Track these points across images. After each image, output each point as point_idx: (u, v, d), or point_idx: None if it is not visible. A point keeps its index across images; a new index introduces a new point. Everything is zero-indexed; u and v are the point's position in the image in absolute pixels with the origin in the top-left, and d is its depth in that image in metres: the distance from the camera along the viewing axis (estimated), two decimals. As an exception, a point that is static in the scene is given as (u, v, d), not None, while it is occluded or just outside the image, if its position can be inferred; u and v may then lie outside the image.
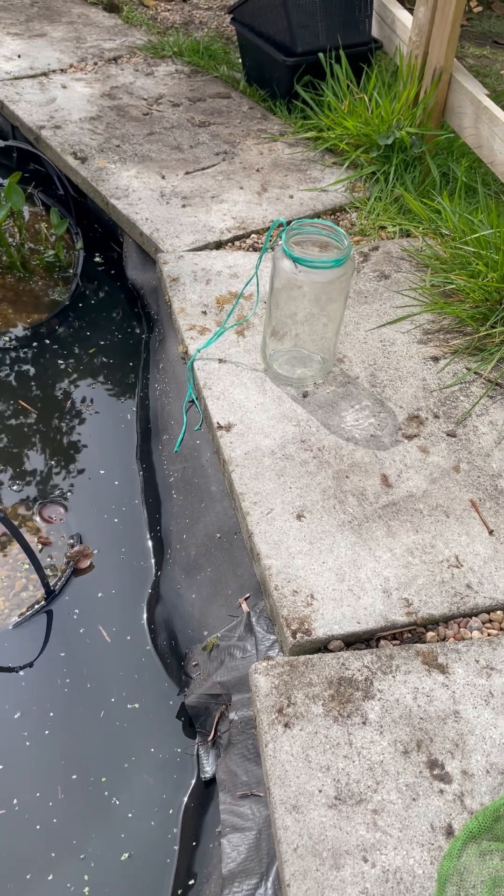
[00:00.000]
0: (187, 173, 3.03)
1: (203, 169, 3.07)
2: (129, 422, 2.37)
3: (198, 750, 1.62)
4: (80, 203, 3.13)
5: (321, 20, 3.29)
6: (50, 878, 1.44)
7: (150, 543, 2.03)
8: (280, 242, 1.94)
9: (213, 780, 1.55)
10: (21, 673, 1.74)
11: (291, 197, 2.93)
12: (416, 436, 2.03)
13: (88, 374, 2.52)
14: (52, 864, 1.46)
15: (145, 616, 1.87)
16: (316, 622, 1.59)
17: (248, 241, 2.72)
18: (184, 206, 2.83)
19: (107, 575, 1.95)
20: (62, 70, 3.63)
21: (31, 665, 1.76)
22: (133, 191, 2.88)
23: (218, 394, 2.11)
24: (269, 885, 1.32)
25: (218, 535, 1.87)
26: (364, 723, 1.45)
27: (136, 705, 1.70)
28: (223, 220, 2.77)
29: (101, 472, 2.21)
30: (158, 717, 1.69)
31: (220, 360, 2.21)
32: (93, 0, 4.33)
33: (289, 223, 2.16)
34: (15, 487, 2.13)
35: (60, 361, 2.54)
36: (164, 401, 2.32)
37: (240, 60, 3.81)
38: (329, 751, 1.41)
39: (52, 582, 1.91)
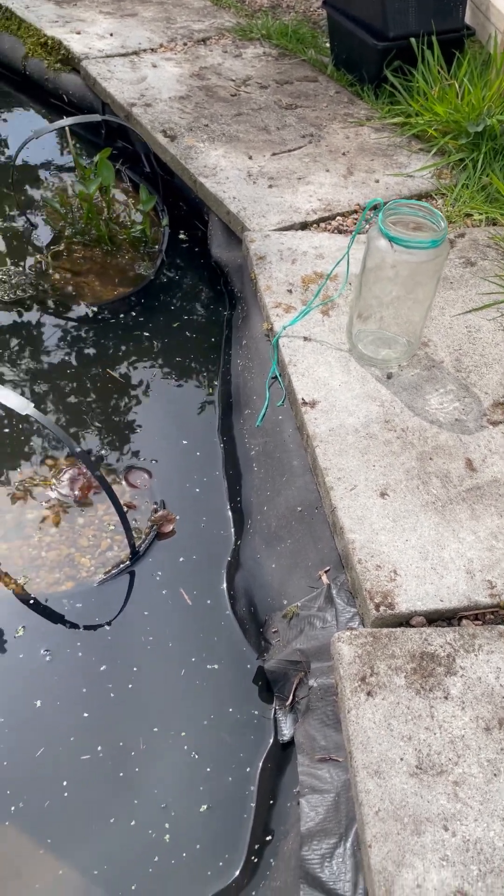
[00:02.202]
0: (274, 154, 3.05)
1: (289, 151, 3.08)
2: (210, 395, 2.41)
3: (276, 713, 1.65)
4: (166, 181, 3.18)
5: (414, 5, 3.26)
6: (132, 823, 1.50)
7: (229, 513, 2.07)
8: (375, 222, 1.95)
9: (290, 743, 1.59)
10: (107, 628, 1.80)
11: (377, 181, 2.92)
12: (501, 422, 2.02)
13: (172, 347, 2.57)
14: (134, 810, 1.51)
15: (225, 582, 1.91)
16: (399, 597, 1.61)
17: (334, 224, 2.73)
18: (270, 186, 2.86)
19: (188, 540, 2.00)
20: (152, 49, 3.67)
21: (113, 621, 1.82)
22: (221, 170, 2.92)
23: (303, 371, 2.13)
24: (349, 845, 1.35)
25: (299, 508, 1.90)
26: (446, 697, 1.47)
27: (216, 666, 1.74)
28: (309, 202, 2.79)
29: (184, 442, 2.26)
30: (236, 679, 1.73)
31: (305, 339, 2.23)
32: (182, -19, 4.37)
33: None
34: (102, 452, 2.20)
35: (146, 334, 2.60)
36: (246, 376, 2.35)
37: (327, 44, 3.81)
38: (411, 721, 1.43)
39: (136, 544, 1.97)
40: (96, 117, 2.80)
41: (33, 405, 1.69)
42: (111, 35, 3.71)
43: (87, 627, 1.80)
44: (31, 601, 1.83)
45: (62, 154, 3.52)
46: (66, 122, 2.69)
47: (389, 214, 1.97)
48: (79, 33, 3.69)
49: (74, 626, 1.80)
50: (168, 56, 3.63)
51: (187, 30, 3.87)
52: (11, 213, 3.02)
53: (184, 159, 2.97)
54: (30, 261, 2.81)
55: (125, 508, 2.09)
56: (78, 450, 1.71)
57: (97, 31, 3.74)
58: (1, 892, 1.43)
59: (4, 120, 3.67)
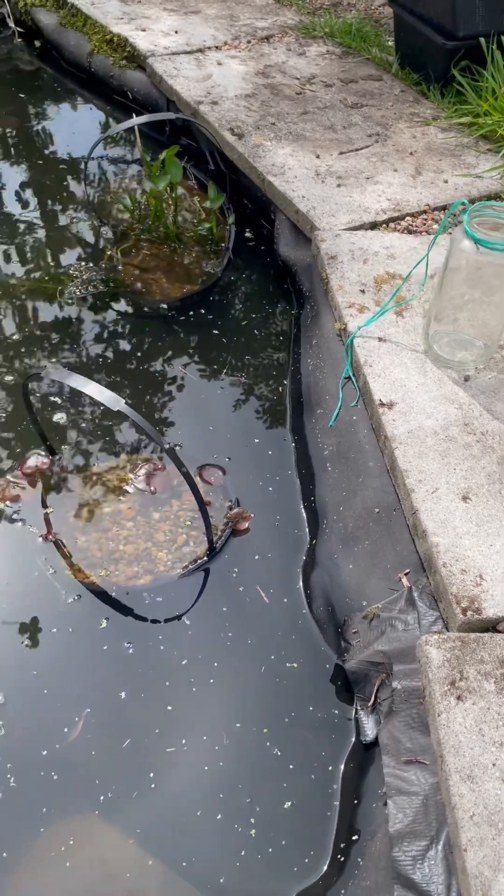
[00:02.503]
0: (341, 153, 3.04)
1: (356, 150, 3.07)
2: (280, 394, 2.42)
3: (357, 714, 1.66)
4: (231, 178, 3.19)
5: (484, 4, 3.23)
6: (219, 817, 1.52)
7: (303, 512, 2.08)
8: (458, 223, 1.94)
9: (372, 744, 1.60)
10: (187, 622, 1.82)
11: (446, 182, 2.90)
12: None
13: (241, 345, 2.58)
14: (220, 804, 1.53)
15: (301, 581, 1.92)
16: (486, 602, 1.61)
17: (403, 224, 2.72)
18: (338, 185, 2.85)
19: (263, 538, 2.02)
20: (217, 47, 3.69)
21: (193, 617, 1.84)
22: (289, 168, 2.92)
23: (378, 372, 2.13)
24: (440, 847, 1.36)
25: (376, 509, 1.90)
26: (537, 704, 1.46)
27: (294, 665, 1.75)
28: (378, 202, 2.78)
29: (256, 440, 2.27)
30: (315, 678, 1.74)
31: (380, 339, 2.23)
32: (244, -22, 4.37)
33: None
34: (176, 448, 2.22)
35: (215, 331, 2.61)
36: (317, 375, 2.36)
37: (390, 43, 3.79)
38: (503, 727, 1.43)
39: (213, 540, 1.98)
40: (170, 115, 2.82)
41: (124, 401, 1.71)
42: (176, 32, 3.74)
43: (167, 621, 1.82)
44: (113, 593, 1.86)
45: (125, 151, 3.55)
46: (141, 119, 2.71)
47: (476, 216, 1.95)
48: (144, 30, 3.72)
49: (156, 620, 1.82)
50: (232, 54, 3.64)
51: (251, 27, 3.88)
52: (82, 210, 3.05)
53: (252, 157, 2.98)
54: (100, 257, 2.84)
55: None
56: (167, 446, 1.73)
57: (162, 28, 3.76)
58: (85, 877, 1.46)
59: (70, 117, 3.71)
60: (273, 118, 3.21)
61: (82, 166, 3.25)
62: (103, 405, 1.67)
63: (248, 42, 3.75)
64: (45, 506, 2.06)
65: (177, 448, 2.21)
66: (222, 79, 3.44)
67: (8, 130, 3.59)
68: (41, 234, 2.97)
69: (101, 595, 1.86)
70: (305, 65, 3.63)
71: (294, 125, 3.18)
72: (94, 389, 1.74)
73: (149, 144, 3.55)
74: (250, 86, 3.42)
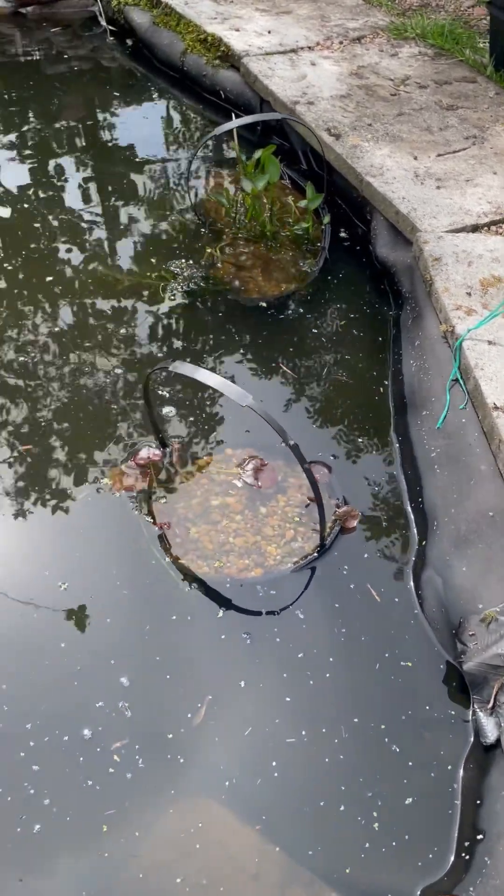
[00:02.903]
0: (438, 155, 3.04)
1: (454, 152, 3.07)
2: (381, 394, 2.43)
3: (476, 715, 1.67)
4: (325, 178, 3.21)
5: None
6: (342, 808, 1.54)
7: (411, 513, 2.09)
8: None
9: (493, 746, 1.60)
10: (301, 616, 1.85)
11: (546, 186, 2.88)
12: None
13: (339, 344, 2.60)
14: (342, 796, 1.56)
15: (412, 581, 1.93)
16: None
17: (505, 227, 2.71)
18: (438, 187, 2.85)
19: (371, 537, 2.03)
20: (309, 47, 3.71)
21: (307, 611, 1.86)
22: (387, 169, 2.93)
23: (490, 375, 2.13)
24: None
25: (490, 513, 1.91)
26: None
27: (409, 664, 1.77)
28: (479, 204, 2.77)
29: (360, 440, 2.29)
30: (430, 678, 1.75)
31: (490, 343, 2.23)
32: (334, -21, 4.38)
33: None
34: (281, 446, 2.24)
35: (314, 330, 2.64)
36: (421, 377, 2.36)
37: (482, 45, 3.76)
38: None
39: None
40: (277, 116, 2.86)
41: (252, 397, 1.74)
42: (269, 32, 3.77)
43: (281, 613, 1.85)
44: (228, 585, 1.90)
45: (217, 149, 3.59)
46: (248, 119, 2.75)
47: None
48: (237, 30, 3.76)
49: (271, 612, 1.85)
50: (325, 54, 3.66)
51: (342, 28, 3.89)
52: (181, 208, 3.10)
53: (350, 158, 2.99)
54: (200, 255, 2.89)
55: (307, 502, 2.13)
56: (292, 443, 1.76)
57: (255, 28, 3.80)
58: (209, 858, 1.49)
59: (164, 116, 3.77)
60: (369, 119, 3.22)
61: (184, 166, 3.30)
62: (218, 400, 1.71)
63: (341, 43, 3.76)
64: (157, 496, 2.11)
65: (279, 446, 2.24)
66: (317, 79, 3.46)
67: (103, 128, 3.67)
68: (142, 230, 3.03)
69: (217, 585, 1.90)
70: (398, 66, 3.63)
71: (390, 126, 3.18)
72: (222, 384, 1.77)
73: (240, 143, 3.58)
74: (345, 86, 3.43)
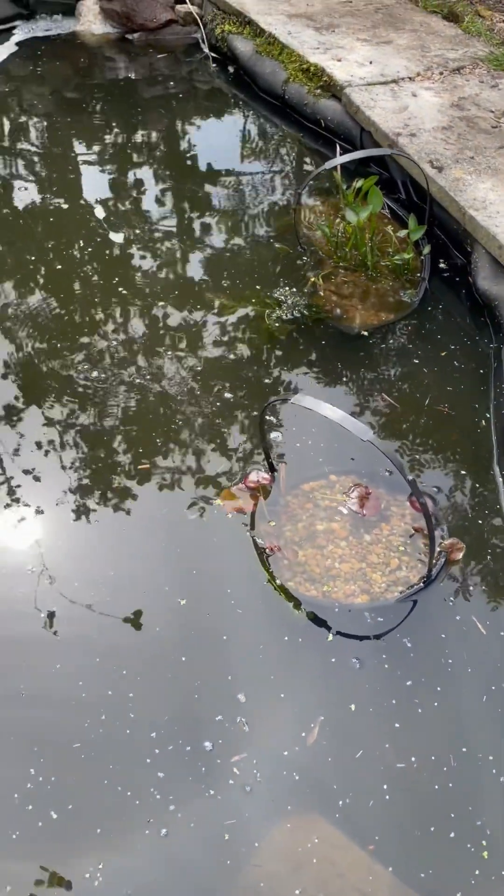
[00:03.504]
0: (541, 190, 3.06)
1: None
2: (483, 427, 2.48)
3: None
4: (423, 209, 3.27)
5: None
6: (451, 835, 1.60)
7: (514, 549, 2.14)
8: None
9: None
10: (408, 644, 1.91)
11: None
12: None
13: (439, 375, 2.65)
14: (451, 823, 1.61)
15: (517, 617, 1.98)
16: None
17: None
18: (541, 222, 2.88)
19: (475, 570, 2.08)
20: (410, 78, 3.77)
21: (414, 640, 1.93)
22: (490, 203, 2.97)
23: None
24: None
25: None
26: None
27: (516, 698, 1.82)
28: None
29: (462, 472, 2.34)
30: (537, 714, 1.80)
31: None
32: (432, 9, 4.44)
33: None
34: (384, 474, 2.31)
35: (415, 360, 2.70)
36: (524, 413, 2.40)
37: None
38: None
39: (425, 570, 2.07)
40: (386, 151, 2.94)
41: (372, 432, 1.82)
42: (370, 63, 3.85)
43: (389, 642, 1.92)
44: (336, 610, 1.98)
45: (318, 176, 3.68)
46: (359, 154, 2.85)
47: None
48: (339, 60, 3.85)
49: (378, 638, 1.92)
50: (426, 85, 3.72)
51: (442, 58, 3.94)
52: (286, 236, 3.20)
53: (452, 191, 3.05)
54: (303, 283, 2.98)
55: (411, 532, 2.20)
56: (410, 478, 1.83)
57: (356, 58, 3.88)
58: (318, 874, 1.57)
59: (266, 143, 3.89)
60: (471, 151, 3.27)
61: (286, 191, 3.41)
62: (324, 427, 1.79)
63: (441, 73, 3.82)
64: (265, 519, 2.21)
65: (386, 474, 2.31)
66: (418, 111, 3.52)
67: (204, 154, 3.80)
68: (247, 256, 3.14)
69: (325, 609, 1.98)
70: (499, 98, 3.66)
71: (492, 159, 3.22)
72: (344, 418, 1.86)
73: (340, 169, 3.67)
74: (446, 118, 3.49)
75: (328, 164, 2.93)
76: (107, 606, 1.95)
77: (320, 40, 4.04)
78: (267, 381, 2.62)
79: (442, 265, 3.13)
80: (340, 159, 2.92)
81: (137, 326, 2.81)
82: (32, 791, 1.65)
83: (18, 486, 2.26)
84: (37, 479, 2.29)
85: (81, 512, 2.20)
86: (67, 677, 1.82)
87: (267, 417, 2.49)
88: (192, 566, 2.05)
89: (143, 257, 3.13)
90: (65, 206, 3.38)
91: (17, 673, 1.84)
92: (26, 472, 2.30)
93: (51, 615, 1.93)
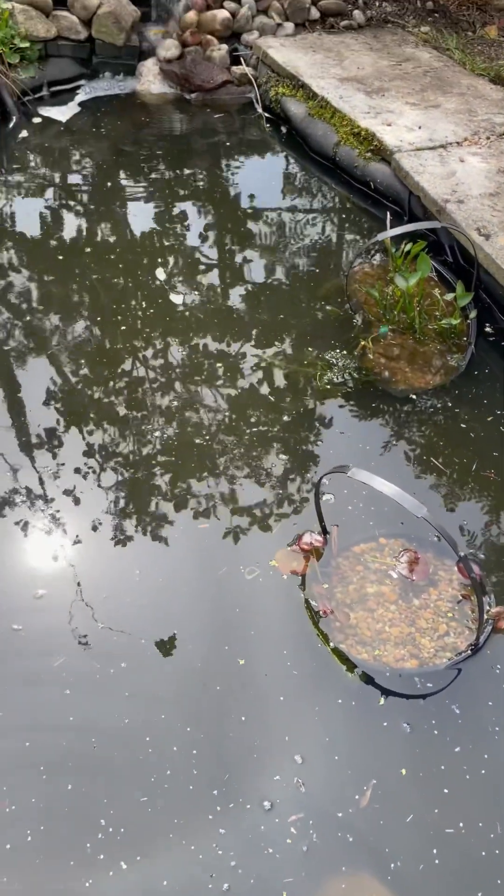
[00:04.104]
0: None
1: None
2: (528, 495, 2.57)
3: None
4: (470, 273, 3.39)
5: None
6: (498, 901, 1.68)
7: None
8: None
9: None
10: (456, 710, 2.00)
11: None
12: None
13: (486, 440, 2.75)
14: (498, 890, 1.69)
15: None
16: None
17: None
18: None
19: (521, 639, 2.17)
20: (458, 143, 3.92)
21: (463, 706, 2.01)
22: (536, 272, 3.09)
23: None
24: None
25: None
26: None
27: None
28: None
29: (507, 539, 2.44)
30: None
31: None
32: (479, 72, 4.60)
33: None
34: (432, 539, 2.42)
35: (462, 425, 2.81)
36: None
37: None
38: None
39: (473, 636, 2.16)
40: (436, 224, 3.08)
41: (427, 509, 1.93)
42: (419, 128, 4.00)
43: (438, 708, 2.01)
44: (387, 674, 2.08)
45: (362, 236, 3.83)
46: (410, 227, 2.98)
47: None
48: (389, 125, 4.01)
49: (427, 704, 2.01)
50: (473, 150, 3.86)
51: (489, 123, 4.08)
52: (338, 298, 3.35)
53: (499, 259, 3.16)
54: (353, 345, 3.11)
55: (459, 598, 2.29)
56: (462, 554, 1.93)
57: (405, 123, 4.04)
58: None
59: (319, 205, 4.05)
60: (517, 219, 3.39)
61: (338, 251, 3.56)
62: (374, 491, 1.90)
63: (488, 138, 3.96)
64: (318, 581, 2.32)
65: (435, 540, 2.41)
66: (466, 176, 3.66)
67: (257, 212, 3.97)
68: (300, 319, 3.28)
69: (376, 673, 2.08)
70: (545, 163, 3.79)
71: (538, 227, 3.34)
72: (398, 494, 1.97)
73: (378, 225, 3.81)
74: (493, 184, 3.61)
75: (379, 237, 3.07)
76: (172, 663, 2.07)
77: (371, 104, 4.21)
78: (320, 442, 2.74)
79: (488, 329, 3.24)
80: (391, 232, 3.06)
81: (193, 385, 2.95)
82: (102, 841, 1.76)
83: (80, 547, 2.41)
84: (99, 543, 2.43)
85: (147, 573, 2.33)
86: (135, 731, 1.94)
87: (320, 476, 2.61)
88: (251, 627, 2.16)
89: (197, 315, 3.29)
90: (121, 265, 3.56)
91: (85, 735, 1.96)
92: (93, 534, 2.45)
93: (118, 669, 2.06)
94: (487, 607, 2.24)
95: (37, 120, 4.53)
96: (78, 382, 2.93)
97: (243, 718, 1.96)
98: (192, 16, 4.80)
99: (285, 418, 2.82)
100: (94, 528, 2.43)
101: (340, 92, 4.30)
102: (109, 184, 4.11)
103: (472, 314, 3.23)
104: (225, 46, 4.83)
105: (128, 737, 1.92)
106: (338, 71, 4.52)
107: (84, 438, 2.73)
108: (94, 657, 2.07)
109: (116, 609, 2.20)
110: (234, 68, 4.82)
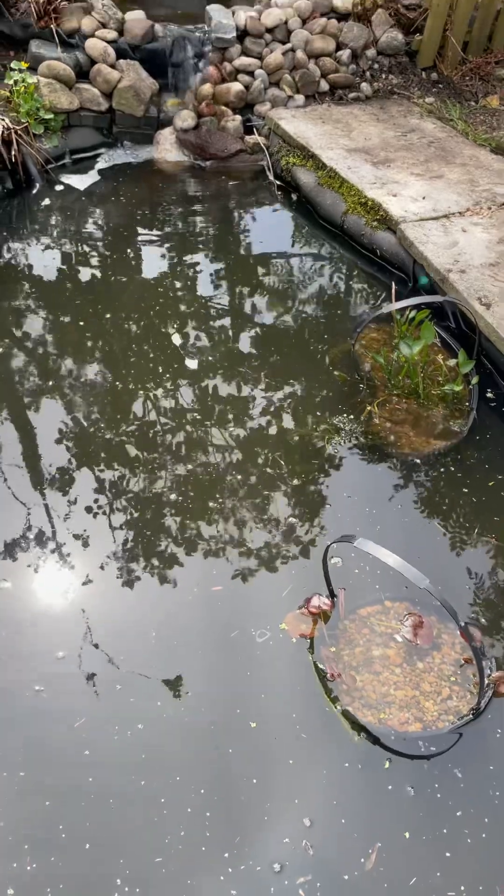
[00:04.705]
0: None
1: None
2: (528, 560, 2.68)
3: None
4: (472, 339, 3.54)
5: None
6: None
7: None
8: None
9: None
10: (459, 775, 2.08)
11: None
12: None
13: (488, 505, 2.87)
14: None
15: None
16: None
17: None
18: None
19: (521, 703, 2.26)
20: (460, 213, 4.11)
21: (464, 770, 2.10)
22: (535, 341, 3.23)
23: None
24: None
25: None
26: None
27: None
28: None
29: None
30: None
31: None
32: (481, 142, 4.82)
33: None
34: (436, 603, 2.52)
35: (465, 490, 2.92)
36: None
37: None
38: None
39: (475, 700, 2.25)
40: (439, 299, 3.23)
41: (429, 580, 2.04)
42: (423, 198, 4.20)
43: (441, 771, 2.09)
44: (392, 738, 2.17)
45: (367, 300, 4.00)
46: (413, 301, 3.14)
47: None
48: (395, 196, 4.21)
49: (432, 767, 2.10)
50: (475, 221, 4.04)
51: (490, 193, 4.28)
52: (345, 363, 3.50)
53: (499, 329, 3.32)
54: (359, 410, 3.25)
55: (461, 661, 2.38)
56: (462, 624, 2.04)
57: (410, 193, 4.24)
58: None
59: (328, 270, 4.24)
60: (517, 289, 3.55)
61: (351, 323, 3.73)
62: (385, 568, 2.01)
63: (489, 208, 4.15)
64: (326, 644, 2.42)
65: (434, 604, 2.51)
66: (468, 246, 3.83)
67: (267, 277, 4.16)
68: (309, 383, 3.43)
69: (382, 736, 2.17)
70: (543, 233, 3.97)
71: (537, 297, 3.50)
72: (401, 566, 2.09)
73: (381, 286, 3.98)
74: (494, 254, 3.79)
75: (385, 309, 3.24)
76: (187, 726, 2.17)
77: (377, 175, 4.42)
78: (328, 506, 2.86)
79: (490, 394, 3.38)
80: (397, 305, 3.23)
81: (203, 448, 3.09)
82: (119, 899, 1.85)
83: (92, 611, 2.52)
84: (116, 606, 2.55)
85: (162, 635, 2.43)
86: (151, 792, 2.03)
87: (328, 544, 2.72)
88: (262, 689, 2.26)
89: (207, 377, 3.44)
90: (133, 327, 3.73)
91: (103, 796, 2.06)
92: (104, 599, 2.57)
93: (135, 730, 2.15)
94: (489, 671, 2.33)
95: (59, 187, 4.76)
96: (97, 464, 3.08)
97: (254, 781, 2.05)
98: (207, 88, 5.06)
99: (295, 482, 2.95)
100: (111, 593, 2.55)
101: (348, 163, 4.52)
102: (124, 243, 4.31)
103: (475, 380, 3.37)
104: (238, 117, 5.08)
105: (144, 798, 2.01)
106: (346, 142, 4.75)
107: (108, 514, 2.87)
108: (112, 719, 2.17)
109: (133, 670, 2.31)
110: (247, 138, 5.06)
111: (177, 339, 3.64)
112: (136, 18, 5.03)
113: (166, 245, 4.35)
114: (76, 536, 2.71)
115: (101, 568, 2.61)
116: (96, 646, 2.37)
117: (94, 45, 4.94)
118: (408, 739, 2.17)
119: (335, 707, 2.24)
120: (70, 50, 4.97)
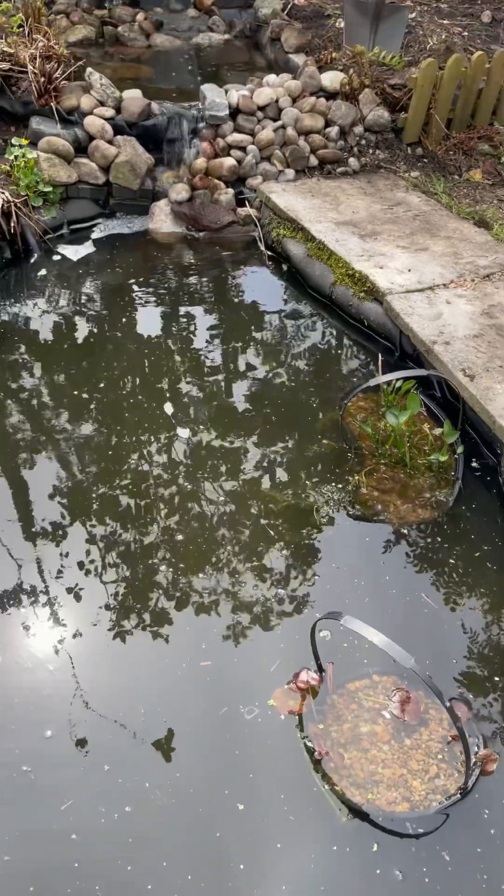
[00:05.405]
0: None
1: None
2: (514, 633, 2.71)
3: None
4: (456, 408, 3.62)
5: None
6: None
7: (544, 760, 2.31)
8: None
9: None
10: (447, 857, 2.08)
11: None
12: None
13: (473, 575, 2.91)
14: None
15: (548, 833, 2.14)
16: None
17: None
18: None
19: (508, 783, 2.26)
20: (444, 285, 4.25)
21: (451, 852, 2.09)
22: (518, 413, 3.32)
23: None
24: None
25: None
26: None
27: (547, 919, 1.96)
28: None
29: (497, 679, 2.55)
30: None
31: None
32: (465, 215, 5.01)
33: None
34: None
35: (451, 561, 2.97)
36: (551, 622, 2.63)
37: None
38: None
39: (462, 779, 2.25)
40: (423, 372, 3.33)
41: (414, 660, 2.07)
42: (409, 270, 4.34)
43: (429, 854, 2.09)
44: (380, 819, 2.16)
45: (354, 369, 4.11)
46: (400, 374, 3.24)
47: None
48: (381, 268, 4.35)
49: (420, 849, 2.09)
50: (459, 292, 4.18)
51: (473, 265, 4.43)
52: (334, 432, 3.58)
53: (483, 400, 3.41)
54: (346, 479, 3.32)
55: (448, 738, 2.39)
56: (448, 705, 2.06)
57: (396, 265, 4.39)
58: None
59: (316, 337, 4.35)
60: (500, 360, 3.65)
61: (339, 392, 3.82)
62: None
63: (472, 280, 4.29)
64: (314, 720, 2.43)
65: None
66: (452, 318, 3.96)
67: (256, 346, 4.27)
68: (298, 453, 3.50)
69: (370, 817, 2.17)
70: (525, 305, 4.10)
71: (519, 368, 3.60)
72: (387, 645, 2.12)
73: (368, 354, 4.08)
74: (477, 326, 3.91)
75: (371, 382, 3.33)
76: (175, 808, 2.17)
77: (364, 247, 4.58)
78: (316, 577, 2.90)
79: (475, 464, 3.45)
80: (383, 378, 3.32)
81: (190, 519, 3.14)
82: None
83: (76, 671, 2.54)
84: (104, 684, 2.56)
85: (151, 713, 2.44)
86: (138, 878, 2.02)
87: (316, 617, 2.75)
88: (250, 769, 2.26)
89: (197, 447, 3.51)
90: (127, 395, 3.82)
91: (90, 882, 2.04)
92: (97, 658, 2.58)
93: (122, 813, 2.15)
94: (476, 749, 2.34)
95: (56, 256, 4.90)
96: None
97: (242, 867, 2.04)
98: (201, 162, 5.26)
99: (284, 552, 2.99)
100: (101, 668, 2.56)
101: (336, 235, 4.68)
102: (118, 309, 4.42)
103: (459, 450, 3.45)
104: (231, 190, 5.27)
105: (131, 883, 2.00)
106: (334, 215, 4.92)
107: (95, 592, 2.90)
108: (100, 800, 2.16)
109: (121, 750, 2.31)
110: (239, 210, 5.24)
111: (168, 408, 3.72)
112: (133, 97, 5.26)
113: (160, 310, 4.47)
114: (66, 608, 2.73)
115: (91, 643, 2.63)
116: (85, 723, 2.37)
117: (93, 122, 5.15)
118: (395, 820, 2.17)
119: (323, 787, 2.24)
120: (69, 126, 5.17)
